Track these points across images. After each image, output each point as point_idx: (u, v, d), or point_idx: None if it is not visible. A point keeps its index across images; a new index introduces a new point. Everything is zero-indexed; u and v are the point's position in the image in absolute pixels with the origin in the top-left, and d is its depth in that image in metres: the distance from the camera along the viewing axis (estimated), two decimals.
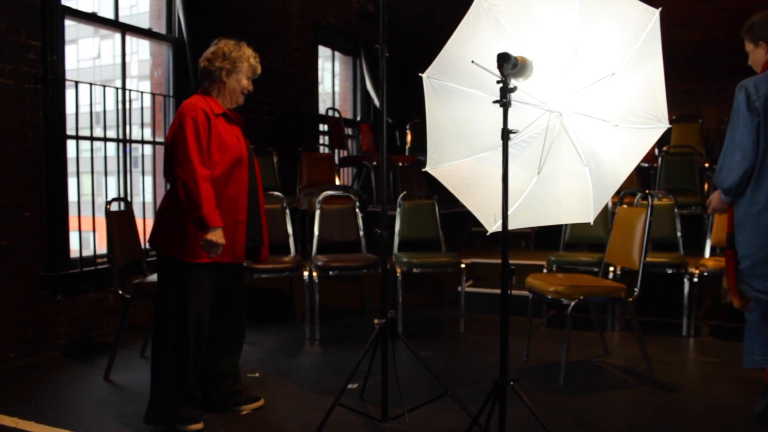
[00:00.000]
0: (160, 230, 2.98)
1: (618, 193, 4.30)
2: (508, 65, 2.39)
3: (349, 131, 7.84)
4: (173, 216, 2.93)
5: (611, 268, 4.55)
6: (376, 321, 2.98)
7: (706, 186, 6.27)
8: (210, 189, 2.81)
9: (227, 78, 3.00)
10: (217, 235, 2.79)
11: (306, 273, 4.67)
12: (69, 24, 4.42)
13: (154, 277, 3.85)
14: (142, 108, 5.00)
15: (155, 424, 2.98)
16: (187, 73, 5.32)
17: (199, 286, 2.93)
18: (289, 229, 5.05)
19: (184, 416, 2.94)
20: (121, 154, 4.90)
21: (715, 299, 5.08)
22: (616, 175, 2.69)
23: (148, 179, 5.33)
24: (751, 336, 3.10)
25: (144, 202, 5.08)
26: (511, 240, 2.66)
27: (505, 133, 2.45)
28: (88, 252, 4.53)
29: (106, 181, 5.34)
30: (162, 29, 5.37)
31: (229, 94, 3.03)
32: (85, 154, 4.92)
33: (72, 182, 4.48)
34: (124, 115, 4.88)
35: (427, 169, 2.86)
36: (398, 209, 5.26)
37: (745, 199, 3.04)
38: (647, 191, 4.07)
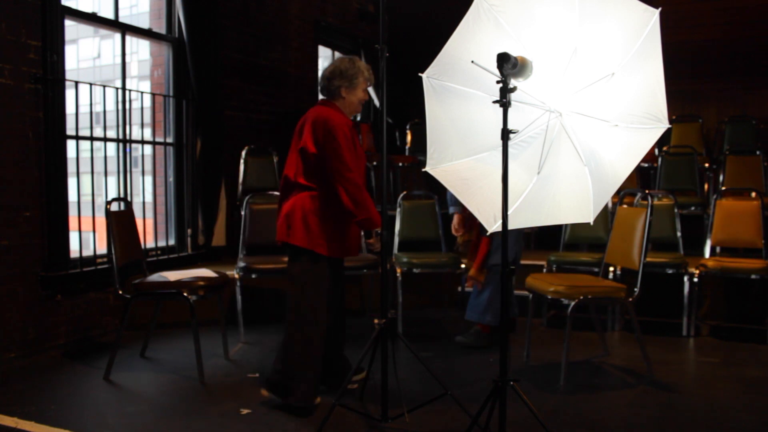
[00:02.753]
0: (313, 232, 3.15)
1: (618, 193, 4.30)
2: (508, 65, 2.39)
3: None
4: (327, 218, 3.16)
5: (611, 268, 4.55)
6: (376, 321, 2.99)
7: (706, 186, 6.27)
8: (368, 194, 3.16)
9: (347, 94, 3.27)
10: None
11: None
12: (69, 24, 4.42)
13: (154, 277, 3.86)
14: (142, 108, 5.00)
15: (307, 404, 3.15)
16: (187, 73, 5.31)
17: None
18: None
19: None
20: (121, 154, 4.90)
21: (715, 299, 5.08)
22: (616, 175, 2.69)
23: (148, 179, 5.33)
24: (492, 301, 4.19)
25: (144, 202, 5.08)
26: None
27: (505, 133, 2.45)
28: (88, 252, 4.53)
29: (106, 181, 5.35)
30: (162, 29, 5.37)
31: (349, 107, 3.31)
32: (85, 154, 4.91)
33: (72, 182, 4.48)
34: (124, 115, 4.88)
35: (427, 169, 2.86)
36: (398, 209, 5.26)
37: None
38: (647, 191, 4.06)
